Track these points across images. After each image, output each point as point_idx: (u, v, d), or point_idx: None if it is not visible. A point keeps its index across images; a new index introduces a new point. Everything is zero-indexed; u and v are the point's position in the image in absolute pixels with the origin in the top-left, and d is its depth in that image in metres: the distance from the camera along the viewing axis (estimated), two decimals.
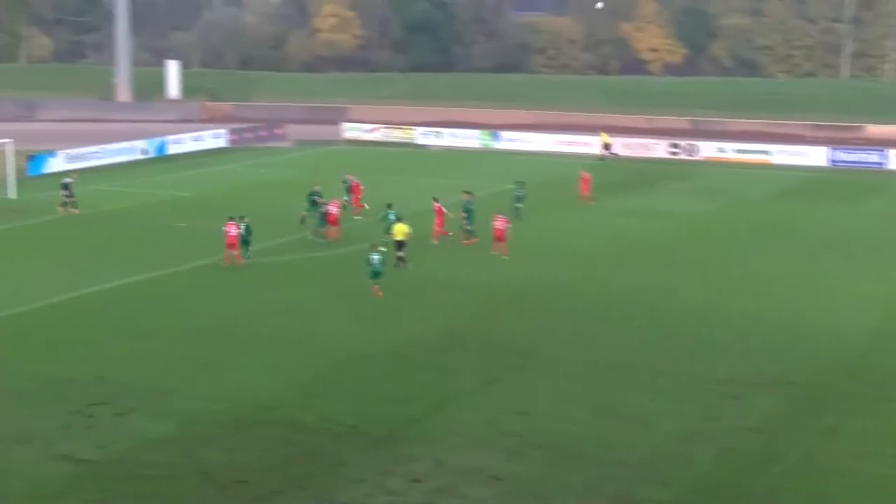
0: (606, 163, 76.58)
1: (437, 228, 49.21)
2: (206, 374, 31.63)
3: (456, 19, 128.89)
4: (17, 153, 63.01)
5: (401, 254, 44.02)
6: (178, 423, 27.84)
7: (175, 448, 26.47)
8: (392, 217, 47.55)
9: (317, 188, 52.80)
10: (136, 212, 56.44)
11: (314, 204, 51.50)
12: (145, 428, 27.56)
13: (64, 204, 55.35)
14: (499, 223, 46.79)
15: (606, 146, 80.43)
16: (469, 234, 49.40)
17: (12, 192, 59.67)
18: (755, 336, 36.19)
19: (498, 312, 38.72)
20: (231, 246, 44.29)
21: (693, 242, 51.06)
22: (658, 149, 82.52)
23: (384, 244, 43.26)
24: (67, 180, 56.41)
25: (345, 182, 55.66)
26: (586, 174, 61.53)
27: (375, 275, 40.47)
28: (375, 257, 40.52)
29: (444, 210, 49.55)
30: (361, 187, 56.02)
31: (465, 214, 49.49)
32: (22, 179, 62.56)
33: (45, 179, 65.31)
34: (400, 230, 44.39)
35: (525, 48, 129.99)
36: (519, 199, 54.88)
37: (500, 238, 46.68)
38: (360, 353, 33.78)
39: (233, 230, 44.30)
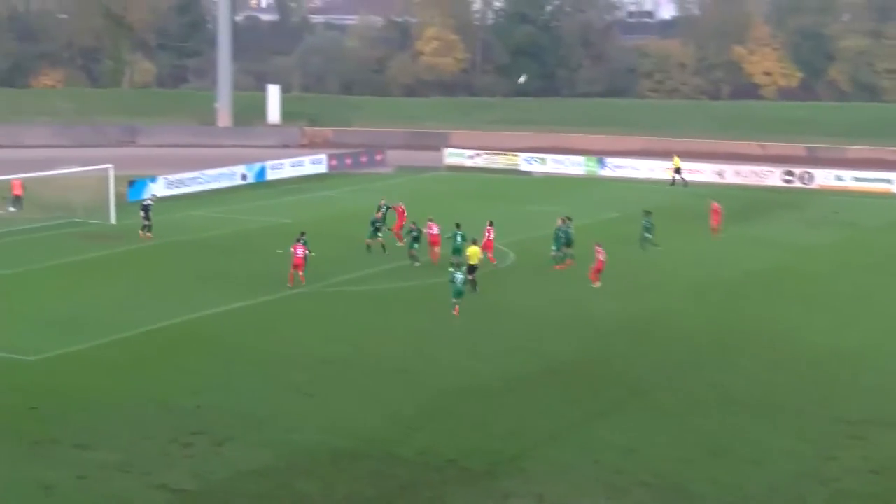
0: (677, 188, 76.46)
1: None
2: (304, 404, 31.87)
3: (562, 43, 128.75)
4: (118, 178, 64.38)
5: (471, 277, 43.94)
6: (274, 454, 28.07)
7: (271, 479, 26.69)
8: (459, 238, 47.77)
9: (379, 215, 53.28)
10: (235, 238, 57.29)
11: (377, 231, 52.06)
12: (242, 458, 27.84)
13: (143, 227, 56.36)
14: (600, 255, 46.19)
15: (678, 170, 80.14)
16: (559, 259, 49.16)
17: (112, 218, 60.99)
18: (879, 374, 35.38)
19: (606, 345, 38.45)
20: (297, 266, 45.63)
21: (813, 274, 50.19)
22: (772, 177, 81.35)
23: (457, 265, 43.85)
24: (147, 202, 57.55)
25: (380, 207, 55.09)
26: (717, 204, 60.49)
27: (458, 294, 41.22)
28: (458, 276, 41.39)
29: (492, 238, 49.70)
30: (405, 214, 55.76)
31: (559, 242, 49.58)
32: (122, 205, 63.84)
33: None
34: (474, 253, 44.42)
35: (633, 72, 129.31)
36: (647, 229, 54.57)
37: (599, 269, 46.07)
38: (460, 385, 33.76)
39: (299, 251, 45.68)
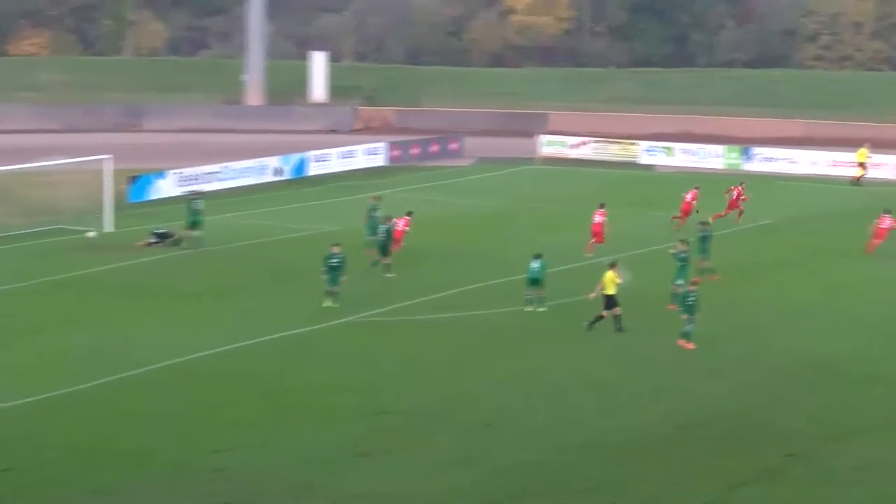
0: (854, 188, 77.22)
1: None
2: (358, 468, 31.88)
3: None
4: (117, 173, 64.92)
5: (616, 311, 43.58)
6: None
7: None
8: (537, 266, 47.06)
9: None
10: (266, 249, 57.51)
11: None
12: None
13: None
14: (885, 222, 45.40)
15: (863, 165, 79.88)
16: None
17: (109, 224, 61.45)
18: None
19: (774, 390, 38.53)
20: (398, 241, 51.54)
21: None
22: None
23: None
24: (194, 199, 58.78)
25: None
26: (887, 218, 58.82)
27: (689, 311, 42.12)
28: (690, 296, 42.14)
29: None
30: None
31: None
32: (122, 206, 64.44)
33: (150, 207, 67.20)
34: (610, 280, 43.68)
35: (791, 35, 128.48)
36: None
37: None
38: (568, 443, 33.71)
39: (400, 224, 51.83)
